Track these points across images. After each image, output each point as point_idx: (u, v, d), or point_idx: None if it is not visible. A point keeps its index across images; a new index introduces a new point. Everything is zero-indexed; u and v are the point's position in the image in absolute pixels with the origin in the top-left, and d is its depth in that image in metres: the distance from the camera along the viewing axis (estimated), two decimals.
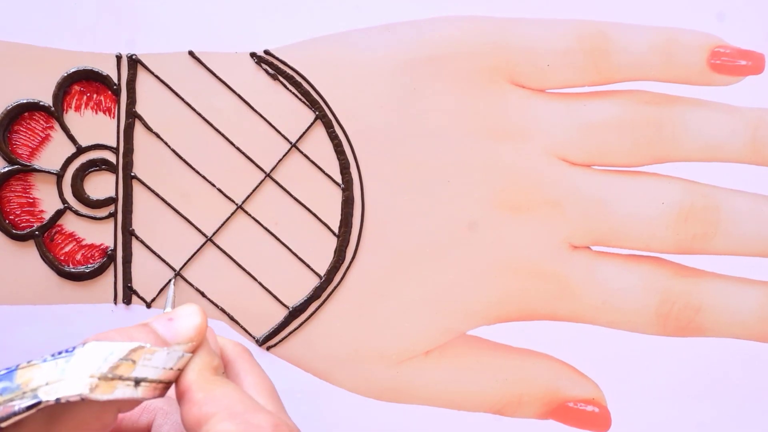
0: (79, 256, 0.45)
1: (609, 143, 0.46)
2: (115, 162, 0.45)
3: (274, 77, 0.45)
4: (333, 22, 0.45)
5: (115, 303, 0.45)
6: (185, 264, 0.45)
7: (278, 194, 0.45)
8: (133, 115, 0.45)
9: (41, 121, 0.45)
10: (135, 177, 0.45)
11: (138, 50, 0.45)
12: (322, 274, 0.46)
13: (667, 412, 0.46)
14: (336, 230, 0.46)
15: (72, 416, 0.32)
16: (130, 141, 0.45)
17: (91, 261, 0.45)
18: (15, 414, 0.31)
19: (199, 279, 0.46)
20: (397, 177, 0.46)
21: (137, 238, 0.45)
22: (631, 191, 0.46)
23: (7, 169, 0.45)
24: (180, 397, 0.33)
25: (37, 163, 0.45)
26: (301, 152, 0.45)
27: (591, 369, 0.46)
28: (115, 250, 0.45)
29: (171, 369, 0.33)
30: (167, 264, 0.45)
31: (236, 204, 0.45)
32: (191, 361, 0.34)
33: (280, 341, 0.46)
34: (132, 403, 0.33)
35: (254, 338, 0.46)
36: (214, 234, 0.45)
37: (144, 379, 0.32)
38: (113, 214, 0.45)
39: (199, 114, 0.45)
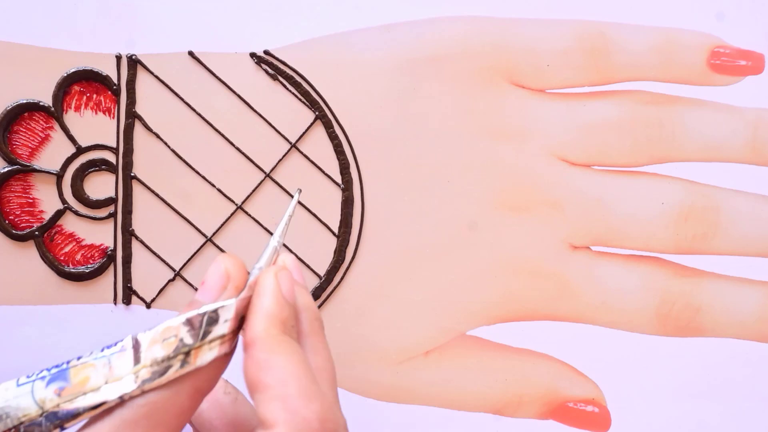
0: (78, 257, 0.45)
1: (609, 143, 0.46)
2: (114, 162, 0.45)
3: (273, 77, 0.45)
4: (333, 23, 0.45)
5: (115, 303, 0.45)
6: (185, 264, 0.45)
7: (278, 194, 0.45)
8: (132, 116, 0.45)
9: (41, 122, 0.45)
10: (135, 177, 0.45)
11: (138, 50, 0.45)
12: (322, 275, 0.46)
13: (667, 412, 0.46)
14: (336, 230, 0.46)
15: (141, 408, 0.31)
16: (130, 141, 0.45)
17: (91, 261, 0.45)
18: (78, 414, 0.31)
19: (199, 279, 0.46)
20: (397, 177, 0.46)
21: (137, 238, 0.45)
22: (631, 191, 0.46)
23: (6, 169, 0.45)
24: (245, 349, 0.32)
25: (37, 163, 0.45)
26: (301, 152, 0.45)
27: (591, 369, 0.46)
28: (114, 250, 0.45)
29: (217, 324, 0.32)
30: (167, 264, 0.45)
31: (236, 204, 0.45)
32: (254, 311, 0.33)
33: None
34: (203, 377, 0.32)
35: None
36: (214, 234, 0.45)
37: (191, 347, 0.32)
38: (113, 215, 0.45)
39: (199, 114, 0.45)
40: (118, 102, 0.45)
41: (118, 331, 0.45)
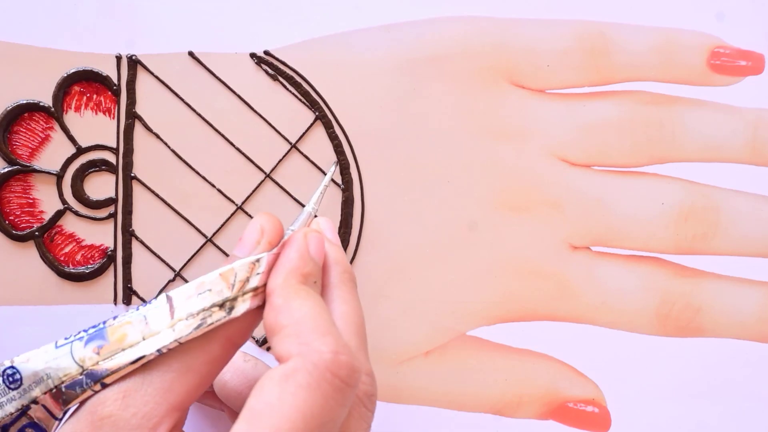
0: (79, 257, 0.45)
1: (609, 143, 0.46)
2: (115, 162, 0.45)
3: (274, 78, 0.45)
4: (333, 23, 0.45)
5: (115, 303, 0.45)
6: (185, 264, 0.45)
7: (278, 195, 0.45)
8: (133, 116, 0.45)
9: (41, 122, 0.45)
10: (135, 177, 0.45)
11: (138, 51, 0.45)
12: None
13: (667, 412, 0.46)
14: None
15: (174, 356, 0.33)
16: (130, 141, 0.45)
17: (91, 261, 0.45)
18: (118, 370, 0.32)
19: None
20: (397, 177, 0.46)
21: (137, 238, 0.45)
22: (631, 191, 0.46)
23: (7, 169, 0.45)
24: (266, 299, 0.33)
25: (37, 163, 0.45)
26: (301, 153, 0.45)
27: (591, 369, 0.46)
28: (115, 250, 0.45)
29: (250, 277, 0.33)
30: (167, 264, 0.45)
31: (236, 204, 0.45)
32: (279, 264, 0.34)
33: None
34: (236, 328, 0.33)
35: (254, 338, 0.46)
36: (214, 234, 0.45)
37: (227, 299, 0.33)
38: (113, 215, 0.45)
39: (199, 114, 0.45)
40: (118, 102, 0.45)
41: None
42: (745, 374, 0.46)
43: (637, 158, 0.46)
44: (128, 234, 0.45)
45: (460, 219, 0.46)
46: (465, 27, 0.45)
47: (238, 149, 0.45)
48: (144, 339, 0.32)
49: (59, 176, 0.45)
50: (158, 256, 0.45)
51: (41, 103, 0.45)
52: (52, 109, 0.45)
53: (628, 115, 0.46)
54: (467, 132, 0.46)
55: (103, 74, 0.45)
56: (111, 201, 0.45)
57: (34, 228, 0.45)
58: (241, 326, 0.34)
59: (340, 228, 0.46)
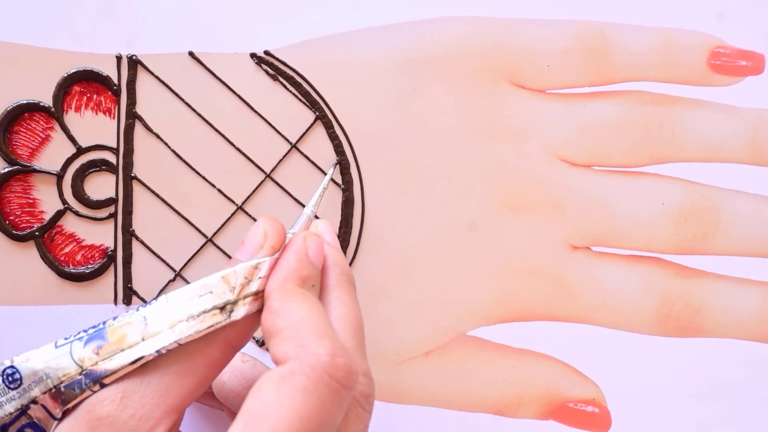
0: (79, 257, 0.45)
1: (609, 144, 0.46)
2: (115, 162, 0.45)
3: (274, 78, 0.45)
4: (333, 23, 0.45)
5: (116, 303, 0.45)
6: (185, 264, 0.45)
7: (278, 195, 0.45)
8: (133, 116, 0.45)
9: (41, 122, 0.45)
10: (135, 177, 0.45)
11: (138, 51, 0.45)
12: None
13: (668, 412, 0.46)
14: (336, 231, 0.46)
15: (173, 358, 0.33)
16: (131, 141, 0.45)
17: (92, 261, 0.45)
18: (117, 370, 0.32)
19: (199, 279, 0.45)
20: (397, 177, 0.46)
21: (137, 238, 0.45)
22: (631, 192, 0.46)
23: (7, 169, 0.45)
24: (264, 302, 0.34)
25: (38, 163, 0.45)
26: (301, 153, 0.45)
27: (591, 369, 0.46)
28: (115, 250, 0.45)
29: (252, 281, 0.34)
30: (167, 264, 0.45)
31: (236, 204, 0.45)
32: (277, 267, 0.34)
33: None
34: (235, 331, 0.33)
35: (254, 339, 0.46)
36: (214, 234, 0.45)
37: (228, 302, 0.33)
38: (113, 215, 0.45)
39: (199, 114, 0.45)
40: (118, 102, 0.45)
41: None
42: (745, 374, 0.46)
43: (637, 158, 0.46)
44: (128, 234, 0.45)
45: (460, 219, 0.46)
46: (465, 27, 0.45)
47: (238, 149, 0.45)
48: (143, 339, 0.33)
49: (59, 176, 0.45)
50: (158, 256, 0.45)
51: (41, 103, 0.45)
52: (53, 109, 0.45)
53: (628, 115, 0.46)
54: (467, 132, 0.46)
55: (104, 74, 0.45)
56: (111, 201, 0.45)
57: (35, 228, 0.45)
58: (241, 329, 0.34)
59: (340, 228, 0.46)
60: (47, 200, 0.45)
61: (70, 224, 0.45)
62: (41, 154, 0.45)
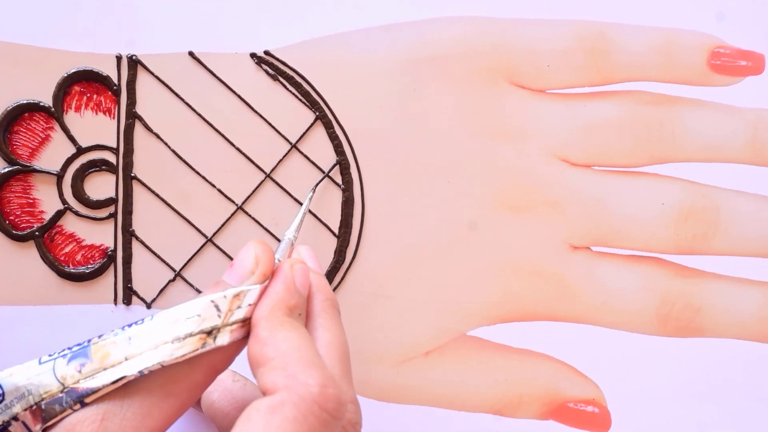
0: (79, 257, 0.45)
1: (609, 144, 0.46)
2: (115, 162, 0.45)
3: (274, 78, 0.45)
4: (333, 23, 0.45)
5: (115, 303, 0.45)
6: (185, 264, 0.45)
7: (278, 195, 0.45)
8: (133, 116, 0.45)
9: (41, 122, 0.45)
10: (135, 177, 0.45)
11: (138, 51, 0.45)
12: None
13: (667, 412, 0.46)
14: (336, 231, 0.46)
15: (156, 380, 0.32)
16: (130, 141, 0.45)
17: (91, 261, 0.45)
18: (99, 389, 0.32)
19: (199, 279, 0.46)
20: (397, 177, 0.46)
21: (137, 238, 0.45)
22: (631, 192, 0.46)
23: (7, 169, 0.45)
24: (250, 331, 0.33)
25: (37, 163, 0.45)
26: (301, 153, 0.45)
27: (591, 369, 0.46)
28: (115, 250, 0.45)
29: (239, 308, 0.33)
30: (167, 264, 0.45)
31: (236, 204, 0.45)
32: (265, 296, 0.34)
33: None
34: (220, 355, 0.33)
35: None
36: (214, 234, 0.45)
37: (215, 327, 0.33)
38: (113, 215, 0.45)
39: (199, 114, 0.45)
40: (118, 102, 0.45)
41: None
42: (745, 374, 0.46)
43: (637, 158, 0.46)
44: (128, 234, 0.45)
45: (460, 219, 0.46)
46: (465, 27, 0.45)
47: (238, 149, 0.45)
48: (127, 359, 0.32)
49: (59, 176, 0.45)
50: (158, 256, 0.45)
51: (41, 103, 0.45)
52: (53, 109, 0.45)
53: (628, 115, 0.46)
54: (467, 132, 0.46)
55: (103, 74, 0.45)
56: (111, 201, 0.45)
57: (35, 228, 0.45)
58: (225, 354, 0.33)
59: (340, 228, 0.46)
60: (47, 200, 0.45)
61: (70, 224, 0.45)
62: (41, 154, 0.45)
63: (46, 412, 0.32)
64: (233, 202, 0.45)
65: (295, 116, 0.45)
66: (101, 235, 0.45)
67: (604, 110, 0.46)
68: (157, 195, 0.45)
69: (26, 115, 0.45)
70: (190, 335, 0.32)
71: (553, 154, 0.46)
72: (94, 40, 0.45)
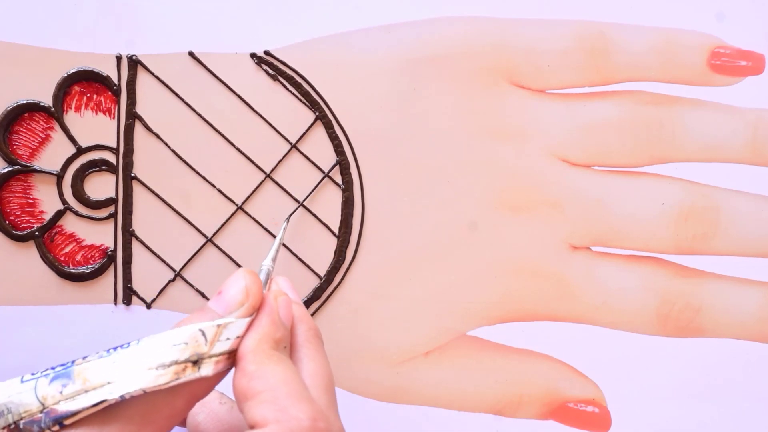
0: (79, 257, 0.45)
1: (609, 144, 0.46)
2: (115, 163, 0.45)
3: (274, 78, 0.45)
4: (333, 23, 0.45)
5: (115, 303, 0.45)
6: (185, 264, 0.45)
7: (278, 195, 0.45)
8: (133, 116, 0.45)
9: (41, 122, 0.45)
10: (135, 177, 0.45)
11: (138, 51, 0.45)
12: (322, 275, 0.46)
13: (667, 412, 0.46)
14: (336, 231, 0.46)
15: (137, 406, 0.32)
16: (130, 142, 0.45)
17: (91, 261, 0.45)
18: (78, 411, 0.31)
19: (199, 279, 0.46)
20: (397, 177, 0.46)
21: (137, 238, 0.45)
22: (631, 192, 0.46)
23: (7, 169, 0.45)
24: (236, 364, 0.33)
25: (38, 163, 0.45)
26: (301, 153, 0.45)
27: (591, 369, 0.46)
28: (115, 250, 0.45)
29: (229, 340, 0.33)
30: (167, 264, 0.45)
31: (236, 204, 0.45)
32: (251, 329, 0.34)
33: None
34: (202, 384, 0.33)
35: None
36: (214, 234, 0.45)
37: (202, 358, 0.32)
38: (113, 215, 0.45)
39: (199, 114, 0.45)
40: (118, 102, 0.45)
41: (119, 331, 0.45)
42: (745, 374, 0.46)
43: (637, 158, 0.46)
44: (128, 234, 0.45)
45: (460, 219, 0.46)
46: (465, 27, 0.45)
47: (238, 149, 0.45)
48: (109, 383, 0.32)
49: (59, 176, 0.45)
50: (158, 256, 0.45)
51: (41, 103, 0.45)
52: (53, 109, 0.45)
53: (628, 115, 0.46)
54: (467, 132, 0.46)
55: (103, 74, 0.45)
56: (111, 201, 0.45)
57: (35, 228, 0.45)
58: (207, 383, 0.33)
59: (340, 228, 0.46)
60: (47, 200, 0.45)
61: (70, 224, 0.45)
62: (41, 154, 0.45)
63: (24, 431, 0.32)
64: (233, 202, 0.45)
65: (295, 116, 0.45)
66: (101, 235, 0.45)
67: (604, 110, 0.46)
68: (157, 195, 0.45)
69: (26, 115, 0.45)
70: (176, 363, 0.32)
71: (553, 154, 0.46)
72: (94, 40, 0.45)
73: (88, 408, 0.31)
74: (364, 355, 0.46)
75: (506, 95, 0.45)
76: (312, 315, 0.46)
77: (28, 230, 0.45)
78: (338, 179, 0.46)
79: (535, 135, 0.46)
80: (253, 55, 0.45)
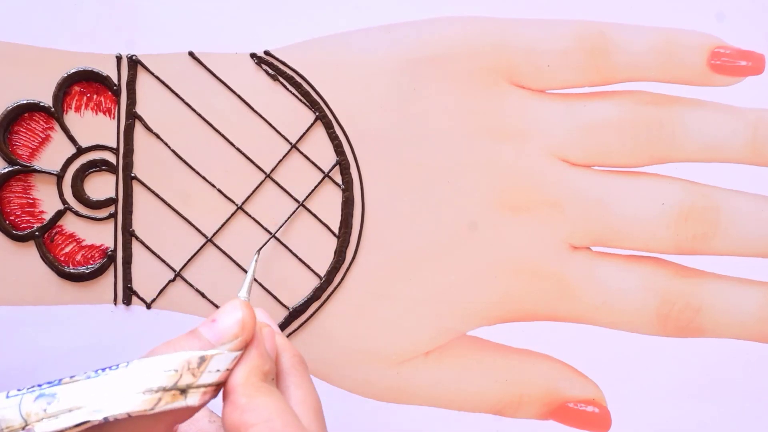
0: (79, 257, 0.45)
1: (609, 144, 0.46)
2: (115, 163, 0.45)
3: (274, 78, 0.45)
4: (333, 23, 0.45)
5: (115, 304, 0.45)
6: (185, 264, 0.45)
7: (278, 195, 0.45)
8: (133, 116, 0.45)
9: (41, 122, 0.45)
10: (135, 178, 0.45)
11: (138, 51, 0.45)
12: (322, 275, 0.46)
13: (667, 412, 0.46)
14: (336, 231, 0.46)
15: (119, 429, 0.32)
16: (130, 142, 0.45)
17: (91, 262, 0.45)
18: (60, 431, 0.31)
19: (199, 279, 0.46)
20: (397, 177, 0.46)
21: (137, 238, 0.45)
22: (631, 192, 0.46)
23: (7, 169, 0.45)
24: (224, 398, 0.33)
25: (38, 163, 0.45)
26: (301, 153, 0.45)
27: (591, 369, 0.46)
28: (115, 250, 0.45)
29: (218, 371, 0.33)
30: (167, 264, 0.45)
31: (236, 204, 0.45)
32: (240, 362, 0.34)
33: None
34: (185, 412, 0.33)
35: None
36: (214, 234, 0.45)
37: (191, 386, 0.32)
38: (113, 215, 0.45)
39: (199, 114, 0.45)
40: (118, 102, 0.45)
41: (119, 331, 0.45)
42: (745, 374, 0.46)
43: (637, 158, 0.46)
44: (128, 234, 0.45)
45: (460, 219, 0.46)
46: (465, 27, 0.45)
47: (238, 149, 0.45)
48: (95, 403, 0.32)
49: (59, 176, 0.45)
50: (158, 256, 0.45)
51: (41, 103, 0.45)
52: (53, 109, 0.45)
53: (628, 115, 0.46)
54: (467, 132, 0.46)
55: (103, 74, 0.45)
56: (111, 201, 0.45)
57: (35, 228, 0.45)
58: (190, 411, 0.33)
59: (340, 228, 0.46)
60: (47, 200, 0.45)
61: (70, 224, 0.45)
62: (41, 154, 0.45)
63: None
64: (233, 202, 0.45)
65: (295, 116, 0.45)
66: (101, 235, 0.45)
67: (604, 110, 0.46)
68: (157, 195, 0.45)
69: (26, 115, 0.45)
70: (163, 390, 0.32)
71: (554, 154, 0.46)
72: (94, 40, 0.45)
73: (70, 428, 0.31)
74: (364, 355, 0.46)
75: (506, 95, 0.45)
76: (312, 315, 0.46)
77: (28, 230, 0.45)
78: (338, 179, 0.46)
79: (535, 135, 0.46)
80: (253, 55, 0.45)
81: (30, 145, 0.45)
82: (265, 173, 0.45)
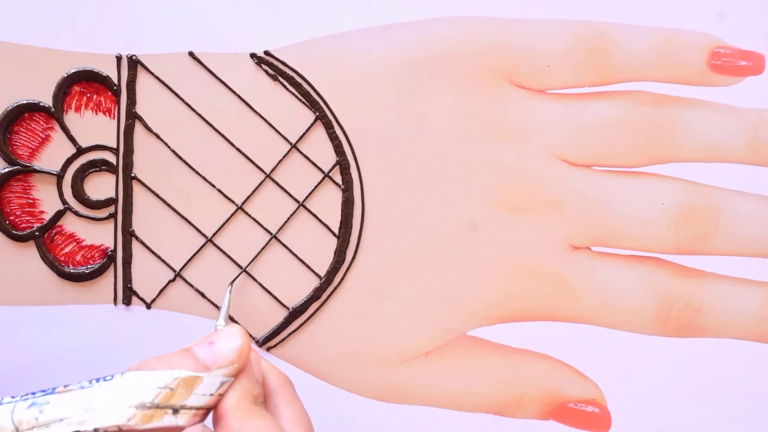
0: (79, 257, 0.45)
1: (609, 144, 0.46)
2: (115, 163, 0.45)
3: (274, 78, 0.45)
4: (333, 23, 0.45)
5: (115, 304, 0.45)
6: (185, 264, 0.45)
7: (278, 195, 0.45)
8: (133, 116, 0.45)
9: (41, 122, 0.45)
10: (135, 178, 0.45)
11: (138, 51, 0.45)
12: (322, 275, 0.46)
13: (668, 412, 0.46)
14: (336, 231, 0.46)
15: None
16: (130, 142, 0.45)
17: (91, 262, 0.45)
18: None
19: (199, 279, 0.46)
20: (397, 177, 0.46)
21: (137, 238, 0.45)
22: (632, 192, 0.46)
23: (7, 169, 0.45)
24: (216, 422, 0.34)
25: (38, 163, 0.45)
26: (301, 153, 0.45)
27: (591, 369, 0.46)
28: (115, 250, 0.45)
29: (212, 395, 0.33)
30: (167, 264, 0.45)
31: (236, 205, 0.45)
32: (232, 386, 0.34)
33: (280, 342, 0.46)
34: (173, 430, 0.33)
35: (254, 339, 0.46)
36: (214, 234, 0.45)
37: (183, 407, 0.33)
38: (113, 215, 0.45)
39: (199, 115, 0.45)
40: (118, 102, 0.45)
41: (119, 331, 0.45)
42: (745, 374, 0.46)
43: (638, 158, 0.46)
44: (128, 234, 0.45)
45: (460, 219, 0.46)
46: (465, 27, 0.45)
47: (238, 149, 0.45)
48: (86, 413, 0.32)
49: (59, 176, 0.45)
50: (158, 256, 0.45)
51: (41, 103, 0.45)
52: (52, 109, 0.45)
53: (628, 115, 0.46)
54: (467, 132, 0.46)
55: (103, 74, 0.45)
56: (111, 201, 0.45)
57: (35, 228, 0.45)
58: (178, 429, 0.33)
59: (340, 228, 0.46)
60: (47, 200, 0.45)
61: (70, 224, 0.45)
62: (41, 154, 0.45)
63: None
64: (233, 202, 0.45)
65: (295, 116, 0.45)
66: (101, 235, 0.45)
67: (605, 110, 0.46)
68: (157, 195, 0.45)
69: (26, 115, 0.45)
70: (156, 407, 0.32)
71: (554, 154, 0.46)
72: (94, 40, 0.45)
73: None
74: (364, 355, 0.46)
75: (506, 95, 0.45)
76: (312, 315, 0.46)
77: (28, 230, 0.45)
78: (338, 179, 0.46)
79: (535, 135, 0.46)
80: (253, 55, 0.45)
81: (30, 145, 0.45)
82: (265, 173, 0.45)
